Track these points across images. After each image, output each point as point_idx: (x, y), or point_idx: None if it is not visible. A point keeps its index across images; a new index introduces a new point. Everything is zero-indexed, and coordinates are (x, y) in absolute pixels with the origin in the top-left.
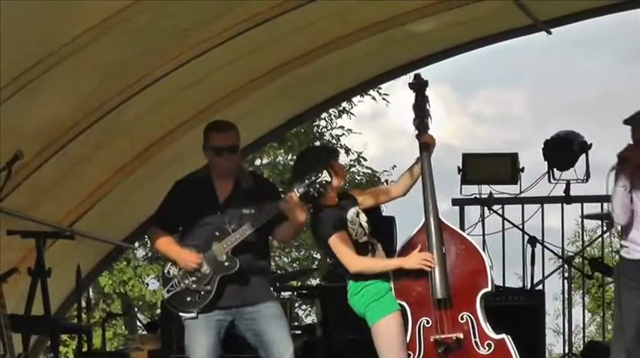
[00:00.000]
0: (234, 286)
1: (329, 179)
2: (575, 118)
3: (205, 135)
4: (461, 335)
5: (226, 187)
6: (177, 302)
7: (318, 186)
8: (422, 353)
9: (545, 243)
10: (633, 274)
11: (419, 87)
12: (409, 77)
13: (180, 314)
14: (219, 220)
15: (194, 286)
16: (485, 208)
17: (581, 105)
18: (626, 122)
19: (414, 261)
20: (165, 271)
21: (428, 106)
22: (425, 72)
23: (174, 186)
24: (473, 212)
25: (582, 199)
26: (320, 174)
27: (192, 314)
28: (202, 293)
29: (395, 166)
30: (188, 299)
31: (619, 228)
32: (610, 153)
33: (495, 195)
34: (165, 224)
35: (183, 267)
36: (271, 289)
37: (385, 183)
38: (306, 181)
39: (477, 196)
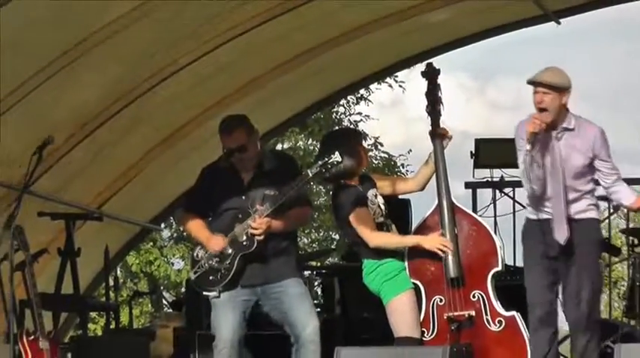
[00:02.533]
0: (257, 265)
1: (340, 159)
2: (587, 107)
3: (219, 134)
4: (473, 313)
5: (250, 170)
6: (201, 282)
7: (329, 166)
8: (435, 330)
9: None
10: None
11: (431, 75)
12: (424, 66)
13: (204, 293)
14: (244, 203)
15: (216, 266)
16: (497, 191)
17: (593, 95)
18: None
19: (432, 241)
20: (194, 254)
21: (440, 94)
22: (445, 61)
23: (202, 172)
24: (485, 194)
25: None
26: (332, 156)
27: (215, 293)
28: (223, 271)
29: (411, 150)
30: (211, 278)
31: (624, 209)
32: (617, 139)
33: (506, 179)
34: (195, 208)
35: (209, 250)
36: (296, 267)
37: (402, 167)
38: (319, 162)
39: (489, 179)
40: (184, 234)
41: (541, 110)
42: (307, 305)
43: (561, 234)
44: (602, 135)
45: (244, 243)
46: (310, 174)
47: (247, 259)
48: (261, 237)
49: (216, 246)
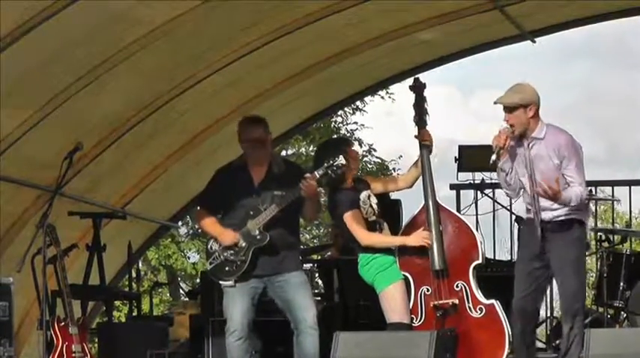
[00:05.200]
0: (266, 257)
1: (344, 162)
2: (560, 117)
3: (239, 130)
4: (456, 301)
5: (260, 172)
6: (217, 272)
7: (335, 168)
8: (423, 317)
9: None
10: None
11: (418, 88)
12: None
13: (220, 282)
14: (254, 201)
15: (232, 258)
16: (479, 192)
17: (565, 106)
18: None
19: (415, 239)
20: (209, 247)
21: (426, 105)
22: (433, 76)
23: (216, 174)
24: (468, 195)
25: None
26: (337, 159)
27: (230, 283)
28: (238, 263)
29: (401, 156)
30: (227, 269)
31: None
32: (585, 146)
33: (487, 181)
34: (209, 206)
35: (222, 243)
36: (299, 260)
37: (393, 171)
38: (325, 164)
39: (472, 182)
40: (199, 230)
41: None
42: (307, 294)
43: (537, 235)
44: (567, 143)
45: (257, 237)
46: (317, 175)
47: (258, 252)
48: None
49: (227, 240)
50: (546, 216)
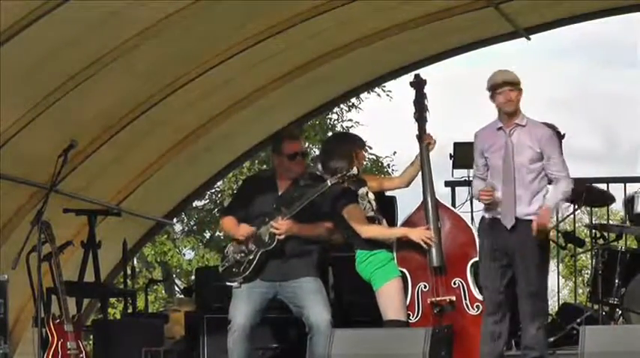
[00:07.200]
0: (277, 262)
1: (356, 172)
2: (553, 113)
3: (279, 142)
4: (453, 298)
5: (286, 185)
6: (226, 273)
7: (347, 177)
8: (420, 313)
9: None
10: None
11: (418, 85)
12: (410, 77)
13: (228, 283)
14: (274, 210)
15: (240, 259)
16: None
17: (559, 103)
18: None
19: (418, 234)
20: (225, 251)
21: (426, 102)
22: (429, 73)
23: (244, 183)
24: (463, 192)
25: None
26: (350, 170)
27: (236, 284)
28: (245, 264)
29: (395, 152)
30: (234, 270)
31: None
32: (581, 143)
33: None
34: (234, 213)
35: (238, 237)
36: (314, 267)
37: (387, 167)
38: (339, 174)
39: (467, 178)
40: (194, 227)
41: (508, 107)
42: (320, 299)
43: (509, 221)
44: (548, 135)
45: (266, 241)
46: (329, 183)
47: (270, 256)
48: (282, 237)
49: (242, 232)
50: (521, 212)
